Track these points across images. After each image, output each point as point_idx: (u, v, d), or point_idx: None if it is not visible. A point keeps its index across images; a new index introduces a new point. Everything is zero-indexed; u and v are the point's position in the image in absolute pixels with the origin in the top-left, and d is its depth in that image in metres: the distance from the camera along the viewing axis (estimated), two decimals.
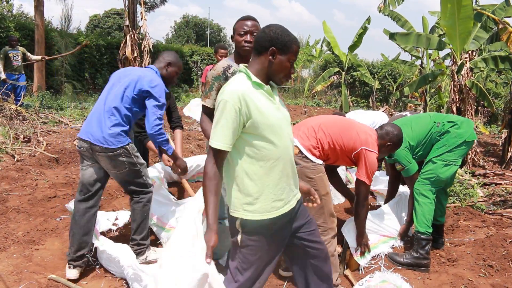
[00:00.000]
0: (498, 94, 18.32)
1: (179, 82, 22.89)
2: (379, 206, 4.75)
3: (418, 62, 16.68)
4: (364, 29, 13.57)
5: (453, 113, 8.64)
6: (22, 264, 3.78)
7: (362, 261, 4.11)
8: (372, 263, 4.23)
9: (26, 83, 12.14)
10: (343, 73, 15.81)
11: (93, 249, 3.84)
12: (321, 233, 3.55)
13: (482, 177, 7.84)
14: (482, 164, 9.19)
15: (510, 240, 4.52)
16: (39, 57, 12.10)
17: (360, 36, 13.77)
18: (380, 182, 5.88)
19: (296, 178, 2.58)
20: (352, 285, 3.83)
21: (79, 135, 3.81)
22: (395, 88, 21.47)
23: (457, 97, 8.75)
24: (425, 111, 14.95)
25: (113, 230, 4.64)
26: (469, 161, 8.87)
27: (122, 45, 12.25)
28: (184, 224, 2.47)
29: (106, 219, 4.66)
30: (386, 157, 4.53)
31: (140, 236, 3.96)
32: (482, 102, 15.72)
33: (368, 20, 13.38)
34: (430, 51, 15.29)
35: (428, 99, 15.49)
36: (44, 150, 7.28)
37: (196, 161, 6.14)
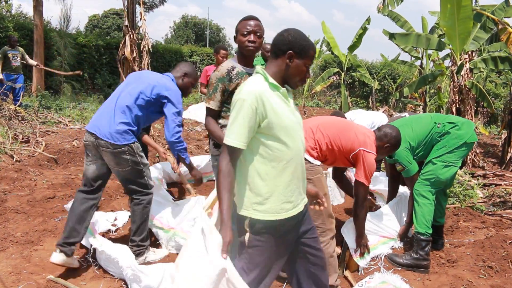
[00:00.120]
0: (498, 95, 18.32)
1: None
2: (379, 207, 4.74)
3: (418, 63, 16.68)
4: (364, 30, 13.57)
5: (453, 113, 8.64)
6: (21, 265, 3.77)
7: (362, 262, 4.10)
8: (372, 264, 4.23)
9: (25, 83, 12.14)
10: (343, 73, 15.81)
11: (92, 250, 3.83)
12: (320, 234, 3.54)
13: (481, 178, 7.84)
14: (481, 165, 9.18)
15: (510, 241, 4.51)
16: (35, 63, 12.03)
17: (359, 37, 13.76)
18: (380, 182, 5.88)
19: (305, 182, 2.60)
20: (352, 286, 3.82)
21: (87, 128, 3.89)
22: (394, 88, 21.47)
23: (457, 98, 8.75)
24: (424, 111, 14.96)
25: (112, 231, 4.64)
26: (468, 162, 8.87)
27: (121, 45, 12.19)
28: (199, 225, 2.46)
29: (105, 220, 4.67)
30: (386, 157, 4.52)
31: (140, 237, 3.96)
32: (482, 103, 15.71)
33: (368, 20, 13.37)
34: (429, 52, 15.29)
35: (427, 99, 15.50)
36: (43, 151, 7.27)
37: (195, 162, 6.14)
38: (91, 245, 3.80)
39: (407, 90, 10.78)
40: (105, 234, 4.51)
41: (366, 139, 3.81)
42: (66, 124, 9.87)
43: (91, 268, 3.83)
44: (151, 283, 3.28)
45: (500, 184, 7.31)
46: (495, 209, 5.98)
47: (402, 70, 22.86)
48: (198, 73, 20.98)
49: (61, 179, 6.15)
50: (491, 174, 8.14)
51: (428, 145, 4.37)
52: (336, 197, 6.06)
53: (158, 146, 5.36)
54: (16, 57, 11.32)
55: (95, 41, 19.05)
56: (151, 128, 8.03)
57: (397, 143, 4.05)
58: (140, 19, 12.42)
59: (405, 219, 4.77)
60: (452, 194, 6.23)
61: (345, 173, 4.96)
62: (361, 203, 3.87)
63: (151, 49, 12.20)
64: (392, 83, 22.51)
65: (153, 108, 3.90)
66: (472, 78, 9.03)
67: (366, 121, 6.51)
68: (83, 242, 3.99)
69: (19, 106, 10.51)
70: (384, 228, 4.57)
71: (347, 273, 4.04)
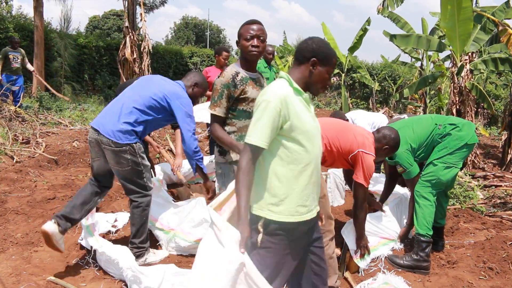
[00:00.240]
0: (498, 96, 18.35)
1: None
2: (376, 210, 4.74)
3: (418, 64, 16.71)
4: (364, 31, 13.60)
5: (453, 115, 8.64)
6: (21, 266, 3.77)
7: (362, 264, 4.10)
8: (372, 265, 4.23)
9: (25, 84, 12.15)
10: (343, 74, 15.84)
11: (92, 251, 3.83)
12: None
13: (482, 179, 7.84)
14: (482, 166, 9.18)
15: (510, 243, 4.51)
16: (32, 68, 11.96)
17: (360, 38, 13.80)
18: (380, 183, 5.88)
19: (319, 189, 2.62)
20: (352, 287, 3.82)
21: (91, 124, 3.91)
22: (395, 89, 21.48)
23: (457, 99, 8.75)
24: (425, 113, 14.96)
25: (112, 232, 4.63)
26: (469, 163, 8.87)
27: (121, 46, 12.27)
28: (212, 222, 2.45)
29: (105, 221, 4.67)
30: (387, 159, 4.52)
31: (140, 239, 3.95)
32: (482, 104, 15.72)
33: (368, 21, 13.40)
34: (430, 53, 15.30)
35: (428, 101, 15.50)
36: (43, 152, 7.27)
37: None
38: (92, 246, 3.80)
39: (408, 91, 10.79)
40: (105, 235, 4.50)
41: (365, 140, 3.82)
42: (66, 125, 9.87)
43: (91, 269, 3.82)
44: (151, 284, 3.28)
45: (501, 185, 7.31)
46: (496, 210, 5.97)
47: (402, 71, 22.88)
48: None
49: (61, 180, 6.15)
50: (492, 176, 8.14)
51: (429, 146, 4.37)
52: (336, 198, 6.06)
53: (151, 140, 5.44)
54: (17, 59, 11.33)
55: (95, 42, 19.08)
56: None
57: (396, 144, 4.05)
58: (141, 20, 12.46)
59: (405, 220, 4.77)
60: (452, 196, 6.22)
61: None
62: (361, 204, 3.87)
63: (151, 50, 12.25)
64: (392, 84, 22.52)
65: (162, 114, 3.93)
66: (472, 80, 9.03)
67: (366, 121, 6.51)
68: (83, 243, 3.99)
69: (19, 107, 10.51)
70: (384, 230, 4.57)
71: (347, 274, 4.04)
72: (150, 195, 4.01)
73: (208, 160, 6.41)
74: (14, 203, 5.13)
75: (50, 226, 3.65)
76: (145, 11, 15.01)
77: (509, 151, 9.29)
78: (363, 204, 3.87)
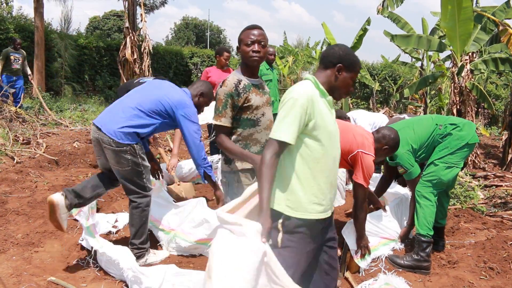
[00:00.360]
0: (499, 96, 18.34)
1: (178, 84, 22.87)
2: (378, 208, 4.74)
3: (418, 64, 16.71)
4: (364, 31, 13.58)
5: (454, 115, 8.64)
6: (22, 267, 3.77)
7: (363, 264, 4.10)
8: (373, 265, 4.22)
9: (26, 85, 12.15)
10: None
11: (93, 252, 3.83)
12: None
13: (482, 179, 7.84)
14: (482, 166, 9.18)
15: (511, 243, 4.50)
16: (29, 72, 11.95)
17: (360, 38, 13.78)
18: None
19: (336, 190, 2.71)
20: (353, 287, 3.82)
21: (94, 121, 3.92)
22: (395, 90, 21.47)
23: (458, 99, 8.75)
24: (425, 113, 14.95)
25: (113, 233, 4.63)
26: (469, 163, 8.87)
27: (122, 47, 12.26)
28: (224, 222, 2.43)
29: (106, 222, 4.67)
30: (388, 160, 4.52)
31: (140, 240, 3.96)
32: (483, 104, 15.73)
33: (368, 21, 13.39)
34: (430, 53, 15.30)
35: (428, 101, 15.49)
36: (43, 152, 7.27)
37: None
38: (92, 247, 3.80)
39: (408, 91, 10.79)
40: (106, 236, 4.51)
41: (365, 140, 3.82)
42: (67, 126, 9.87)
43: (92, 269, 3.82)
44: (152, 284, 3.28)
45: (501, 185, 7.30)
46: (496, 210, 5.97)
47: (402, 71, 22.87)
48: (199, 75, 20.93)
49: (61, 180, 6.15)
50: (492, 175, 8.13)
51: (430, 147, 4.36)
52: (336, 198, 6.06)
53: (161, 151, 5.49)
54: (18, 60, 11.35)
55: (95, 43, 19.10)
56: None
57: (395, 145, 4.05)
58: (141, 20, 12.47)
59: (406, 220, 4.76)
60: (453, 195, 6.22)
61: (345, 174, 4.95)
62: (361, 204, 3.87)
63: (151, 50, 12.25)
64: (392, 85, 22.51)
65: (167, 120, 3.96)
66: (472, 79, 9.03)
67: (367, 122, 6.51)
68: (84, 243, 3.99)
69: (19, 108, 10.52)
70: (384, 230, 4.57)
71: (348, 274, 4.04)
72: (150, 195, 4.02)
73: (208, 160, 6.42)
74: (14, 203, 5.13)
75: (57, 197, 3.71)
76: (145, 11, 15.02)
77: (510, 151, 9.28)
78: (363, 204, 3.87)
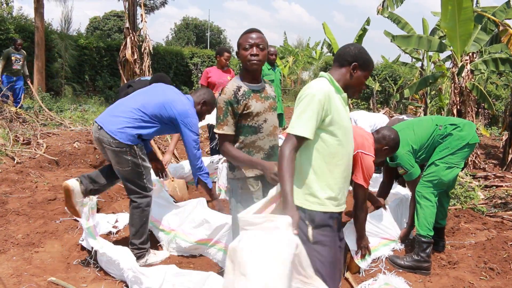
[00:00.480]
0: (499, 96, 18.33)
1: (179, 84, 22.91)
2: (378, 207, 4.74)
3: (419, 64, 16.69)
4: (364, 31, 13.59)
5: (454, 115, 8.63)
6: (22, 267, 3.77)
7: (363, 264, 4.10)
8: (373, 266, 4.22)
9: (26, 86, 12.15)
10: None
11: (93, 252, 3.83)
12: None
13: (483, 180, 7.83)
14: (483, 166, 9.17)
15: (511, 243, 4.50)
16: (26, 73, 11.96)
17: (359, 38, 13.78)
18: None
19: (348, 186, 2.79)
20: (353, 287, 3.82)
21: (96, 119, 3.94)
22: (395, 90, 21.45)
23: (458, 99, 8.75)
24: (425, 113, 14.94)
25: (113, 233, 4.63)
26: (469, 163, 8.86)
27: (122, 47, 12.25)
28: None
29: (106, 222, 4.67)
30: (389, 161, 4.51)
31: (140, 240, 3.96)
32: (483, 104, 15.72)
33: (368, 21, 13.40)
34: (430, 53, 15.29)
35: (428, 101, 15.48)
36: (44, 152, 7.27)
37: None
38: (92, 248, 3.80)
39: (408, 92, 10.78)
40: (106, 236, 4.51)
41: (364, 141, 3.81)
42: (67, 126, 9.87)
43: (92, 270, 3.83)
44: (152, 285, 3.28)
45: (501, 186, 7.30)
46: (496, 211, 5.97)
47: (403, 72, 22.86)
48: (199, 75, 20.92)
49: (62, 181, 6.12)
50: (492, 176, 8.13)
51: (430, 147, 4.36)
52: None
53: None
54: (19, 61, 11.37)
55: (96, 43, 19.11)
56: None
57: (395, 145, 4.05)
58: (141, 21, 12.45)
59: (406, 221, 4.76)
60: (453, 196, 6.22)
61: None
62: (361, 205, 3.86)
63: (152, 51, 12.24)
64: (393, 85, 22.49)
65: (168, 125, 4.01)
66: (473, 80, 9.03)
67: (368, 123, 6.52)
68: (84, 244, 3.99)
69: (19, 108, 10.52)
70: (385, 230, 4.56)
71: (348, 275, 4.03)
72: (150, 196, 4.03)
73: (208, 161, 6.42)
74: (15, 204, 5.13)
75: (73, 182, 3.87)
76: (145, 12, 15.00)
77: (510, 151, 9.27)
78: (363, 204, 3.87)
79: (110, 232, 4.64)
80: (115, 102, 4.28)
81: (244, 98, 3.01)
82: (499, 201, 6.40)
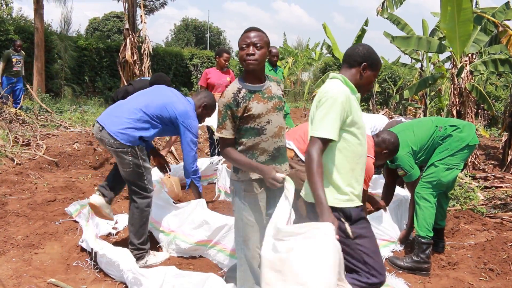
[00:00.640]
0: (498, 97, 18.31)
1: (178, 85, 22.92)
2: (378, 209, 4.74)
3: (418, 65, 16.68)
4: (363, 32, 13.61)
5: (453, 116, 8.64)
6: (22, 268, 3.77)
7: None
8: None
9: (25, 87, 12.15)
10: None
11: (93, 253, 3.83)
12: None
13: (482, 180, 7.84)
14: (482, 167, 9.17)
15: (511, 244, 4.50)
16: (23, 75, 11.99)
17: (358, 39, 13.79)
18: (380, 186, 5.88)
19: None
20: None
21: (97, 119, 3.96)
22: (395, 91, 21.44)
23: (457, 100, 8.75)
24: (425, 114, 14.95)
25: (113, 234, 4.64)
26: (469, 164, 8.86)
27: (121, 48, 12.22)
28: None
29: (106, 223, 4.67)
30: (388, 162, 4.52)
31: (139, 240, 3.96)
32: (482, 105, 15.72)
33: (366, 22, 13.41)
34: (430, 54, 15.30)
35: (428, 102, 15.48)
36: (43, 154, 7.27)
37: None
38: (92, 249, 3.80)
39: (408, 93, 10.79)
40: (106, 238, 4.51)
41: None
42: (67, 127, 9.87)
43: (92, 271, 3.82)
44: (152, 286, 3.28)
45: (501, 187, 7.31)
46: (496, 212, 5.98)
47: (402, 73, 22.84)
48: (199, 76, 20.92)
49: (61, 182, 6.15)
50: (492, 177, 8.14)
51: (430, 149, 4.36)
52: None
53: None
54: (19, 62, 11.39)
55: (95, 44, 19.12)
56: None
57: (395, 148, 4.06)
58: (141, 22, 12.44)
59: (405, 222, 4.76)
60: (452, 197, 6.22)
61: None
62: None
63: (151, 52, 12.22)
64: (392, 86, 22.47)
65: (169, 127, 4.04)
66: (472, 81, 9.03)
67: (368, 125, 6.50)
68: (84, 245, 3.99)
69: (19, 109, 10.51)
70: (384, 231, 4.57)
71: None
72: (151, 196, 4.04)
73: (208, 162, 6.43)
74: (14, 205, 5.13)
75: (96, 199, 4.01)
76: (145, 13, 15.03)
77: (510, 152, 9.27)
78: (363, 206, 3.87)
79: (109, 233, 4.65)
80: (113, 103, 4.30)
81: (244, 100, 2.92)
82: (499, 202, 6.40)
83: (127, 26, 12.19)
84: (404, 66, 19.79)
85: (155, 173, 4.95)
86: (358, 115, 2.65)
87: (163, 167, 4.73)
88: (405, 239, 4.64)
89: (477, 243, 4.66)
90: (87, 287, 3.60)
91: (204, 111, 4.24)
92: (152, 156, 4.64)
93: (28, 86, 12.50)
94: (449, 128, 4.29)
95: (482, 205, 6.25)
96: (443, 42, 9.81)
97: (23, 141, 7.91)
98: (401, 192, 5.27)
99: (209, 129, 7.16)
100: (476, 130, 5.25)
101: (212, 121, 5.60)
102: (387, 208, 4.76)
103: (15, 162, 6.81)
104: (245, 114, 2.93)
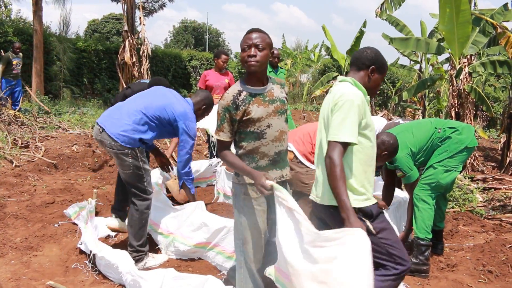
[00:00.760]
0: (497, 99, 18.36)
1: (177, 87, 22.92)
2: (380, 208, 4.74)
3: (417, 67, 16.70)
4: (361, 33, 13.63)
5: (452, 117, 8.66)
6: (20, 271, 3.77)
7: None
8: None
9: (24, 88, 12.15)
10: None
11: (92, 256, 3.83)
12: None
13: (481, 182, 7.84)
14: (481, 168, 9.18)
15: (510, 245, 4.51)
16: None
17: (357, 40, 13.82)
18: (379, 187, 5.87)
19: None
20: None
21: (97, 120, 3.98)
22: (393, 92, 21.48)
23: (456, 102, 8.77)
24: (424, 116, 14.97)
25: (112, 236, 4.63)
26: (468, 166, 8.87)
27: (120, 50, 12.26)
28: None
29: (104, 225, 4.66)
30: (387, 163, 4.51)
31: (138, 242, 3.96)
32: (481, 107, 15.74)
33: (364, 23, 13.43)
34: (428, 56, 15.31)
35: (427, 103, 15.51)
36: (42, 156, 7.27)
37: (194, 167, 6.14)
38: (91, 251, 3.79)
39: (406, 94, 10.81)
40: (104, 240, 4.50)
41: None
42: (66, 129, 9.87)
43: (90, 273, 3.82)
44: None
45: (500, 188, 7.31)
46: (495, 213, 5.98)
47: (401, 74, 22.90)
48: (198, 78, 20.95)
49: (60, 184, 6.15)
50: (491, 178, 8.14)
51: (429, 150, 4.36)
52: None
53: None
54: (19, 65, 11.38)
55: (94, 46, 19.12)
56: None
57: (394, 150, 4.05)
58: (140, 24, 12.46)
59: (404, 224, 4.76)
60: (451, 198, 6.22)
61: None
62: None
63: (150, 54, 12.24)
64: (391, 87, 22.52)
65: (168, 128, 4.06)
66: (471, 82, 9.05)
67: None
68: (83, 247, 3.99)
69: (18, 111, 10.51)
70: None
71: None
72: (150, 199, 4.05)
73: (207, 164, 6.42)
74: (13, 207, 5.13)
75: (115, 223, 4.28)
76: (144, 14, 15.02)
77: (508, 153, 9.29)
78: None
79: (108, 236, 4.64)
80: (112, 105, 4.31)
81: (244, 103, 2.86)
82: (498, 204, 6.41)
83: (126, 28, 12.22)
84: (402, 68, 19.81)
85: (155, 175, 4.95)
86: (371, 118, 2.69)
87: (165, 166, 4.73)
88: (404, 241, 4.63)
89: (476, 245, 4.66)
90: None
91: (203, 112, 4.30)
92: (154, 156, 4.65)
93: (27, 87, 12.51)
94: (448, 130, 4.29)
95: (481, 206, 6.25)
96: (441, 43, 9.83)
97: (22, 143, 7.90)
98: (400, 194, 5.27)
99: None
100: (475, 131, 5.24)
101: (208, 123, 5.61)
102: (384, 212, 4.75)
103: (14, 164, 6.80)
104: (245, 118, 2.88)
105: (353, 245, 2.29)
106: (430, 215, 4.24)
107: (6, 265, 3.85)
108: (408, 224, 4.60)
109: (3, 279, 3.60)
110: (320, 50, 24.38)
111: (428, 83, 10.41)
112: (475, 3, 10.40)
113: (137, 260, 3.90)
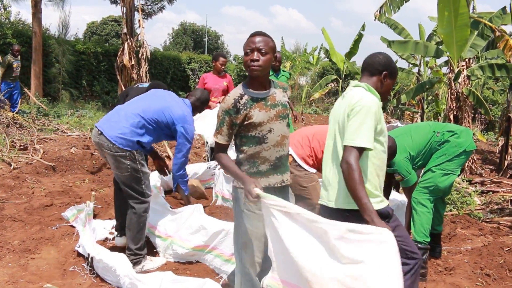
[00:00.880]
0: (495, 102, 18.38)
1: (176, 90, 22.93)
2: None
3: (415, 70, 16.71)
4: (360, 36, 13.66)
5: (450, 121, 8.67)
6: (18, 273, 3.76)
7: None
8: None
9: (23, 90, 12.16)
10: (341, 80, 15.81)
11: (90, 258, 3.82)
12: None
13: (479, 185, 7.84)
14: (479, 172, 9.19)
15: (508, 249, 4.51)
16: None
17: (356, 43, 13.85)
18: None
19: None
20: None
21: (96, 124, 3.98)
22: (392, 95, 21.47)
23: (454, 105, 8.78)
24: (422, 119, 14.97)
25: (110, 239, 4.62)
26: (466, 169, 8.88)
27: (119, 52, 12.25)
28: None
29: (102, 228, 4.67)
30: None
31: (136, 246, 3.96)
32: (479, 110, 15.75)
33: (363, 26, 13.45)
34: (427, 59, 15.33)
35: (425, 106, 15.51)
36: (40, 158, 7.26)
37: (193, 169, 6.15)
38: (89, 254, 3.79)
39: (405, 97, 10.81)
40: (102, 243, 4.50)
41: None
42: (64, 132, 9.86)
43: (88, 276, 3.81)
44: None
45: (498, 191, 7.31)
46: (493, 216, 5.98)
47: (399, 77, 22.87)
48: (196, 80, 20.95)
49: (58, 186, 6.14)
50: (489, 181, 8.15)
51: (427, 154, 4.36)
52: None
53: None
54: (18, 68, 11.38)
55: (93, 48, 19.13)
56: None
57: (392, 153, 4.05)
58: (139, 26, 12.46)
59: None
60: (449, 202, 6.22)
61: None
62: None
63: (149, 56, 12.23)
64: None
65: (166, 131, 4.10)
66: (469, 85, 9.07)
67: None
68: (80, 250, 3.99)
69: (16, 113, 10.51)
70: None
71: None
72: (148, 202, 4.05)
73: (205, 167, 6.42)
74: (11, 210, 5.12)
75: (123, 241, 4.27)
76: (143, 17, 15.03)
77: (506, 156, 9.31)
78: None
79: (106, 238, 4.64)
80: (113, 107, 4.32)
81: (245, 107, 2.84)
82: (496, 207, 6.41)
83: (125, 30, 12.21)
84: (401, 71, 19.77)
85: (153, 178, 4.95)
86: (384, 124, 2.73)
87: (163, 169, 4.73)
88: None
89: (473, 248, 4.66)
90: None
91: (205, 108, 4.50)
92: (152, 159, 4.66)
93: (26, 90, 12.51)
94: (446, 133, 4.29)
95: (479, 210, 6.25)
96: (440, 46, 9.85)
97: (20, 146, 7.90)
98: (398, 197, 5.28)
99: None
100: (473, 134, 5.25)
101: (204, 129, 5.62)
102: None
103: (12, 167, 6.79)
104: (246, 122, 2.85)
105: (381, 246, 2.30)
106: (429, 218, 4.24)
107: (3, 268, 3.84)
108: (406, 227, 4.60)
109: (1, 282, 3.60)
110: (319, 53, 24.38)
111: (427, 86, 10.43)
112: (473, 7, 10.41)
113: (135, 263, 3.90)
